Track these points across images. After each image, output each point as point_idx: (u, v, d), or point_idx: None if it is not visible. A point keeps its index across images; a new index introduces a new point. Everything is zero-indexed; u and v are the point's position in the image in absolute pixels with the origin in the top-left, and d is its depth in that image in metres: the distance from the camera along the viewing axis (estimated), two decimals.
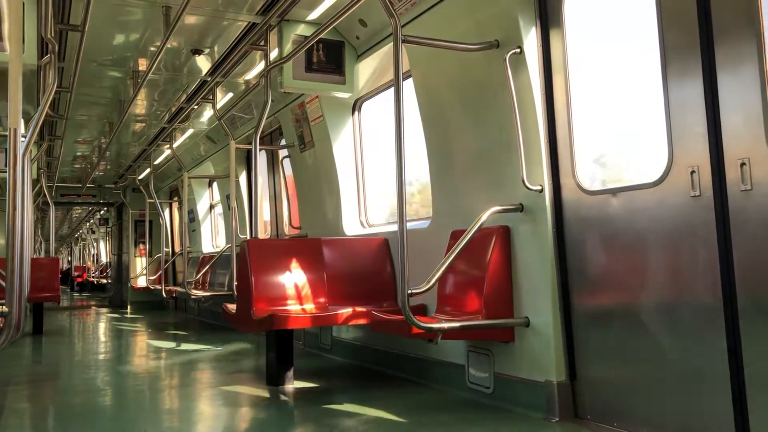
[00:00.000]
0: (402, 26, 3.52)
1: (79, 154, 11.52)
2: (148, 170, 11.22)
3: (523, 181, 3.77)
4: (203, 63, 6.50)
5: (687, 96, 3.04)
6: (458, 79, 4.36)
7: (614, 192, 3.46)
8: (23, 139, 2.54)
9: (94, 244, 27.71)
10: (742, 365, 2.81)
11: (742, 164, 2.80)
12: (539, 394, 3.74)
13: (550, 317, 3.72)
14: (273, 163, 8.69)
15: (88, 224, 25.76)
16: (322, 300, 5.16)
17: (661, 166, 3.18)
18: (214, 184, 11.18)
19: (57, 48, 4.32)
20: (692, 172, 3.01)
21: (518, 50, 3.82)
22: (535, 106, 3.81)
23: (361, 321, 4.76)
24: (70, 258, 37.91)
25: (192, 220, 11.92)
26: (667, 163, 3.14)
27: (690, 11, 3.01)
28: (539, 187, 3.79)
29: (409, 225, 3.52)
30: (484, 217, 3.88)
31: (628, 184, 3.44)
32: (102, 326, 11.02)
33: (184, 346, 7.71)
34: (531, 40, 3.82)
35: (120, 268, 15.81)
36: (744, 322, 2.80)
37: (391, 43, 3.55)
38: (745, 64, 2.79)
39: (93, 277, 24.94)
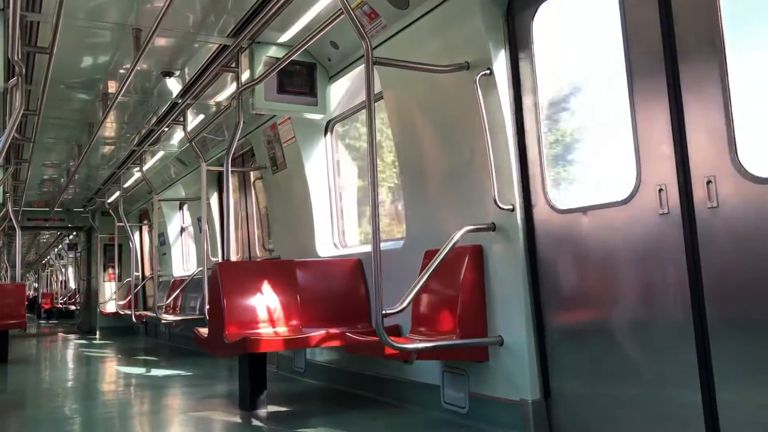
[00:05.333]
0: (373, 48, 3.55)
1: (46, 177, 11.34)
2: (117, 193, 11.08)
3: (494, 200, 3.80)
4: (174, 85, 6.47)
5: (653, 116, 3.10)
6: (430, 100, 4.40)
7: (584, 210, 3.50)
8: None
9: (62, 269, 27.20)
10: (713, 379, 2.85)
11: (709, 182, 2.85)
12: (514, 413, 3.74)
13: (524, 336, 3.74)
14: (245, 185, 8.65)
15: (56, 250, 25.29)
16: (295, 322, 5.12)
17: (629, 185, 3.23)
18: (185, 207, 11.07)
19: (24, 70, 4.26)
20: (660, 190, 3.06)
21: (488, 71, 3.87)
22: (505, 126, 3.85)
23: (335, 343, 4.73)
24: (37, 285, 37.15)
25: (162, 243, 11.78)
26: (635, 182, 3.19)
27: (654, 33, 3.08)
28: (511, 207, 3.82)
29: (383, 245, 3.52)
30: (457, 236, 3.90)
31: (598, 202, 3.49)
32: (70, 353, 10.78)
33: (155, 372, 7.57)
34: (500, 62, 3.88)
35: (89, 294, 15.52)
36: (713, 336, 2.84)
37: (363, 65, 3.57)
38: (709, 83, 2.86)
39: (61, 303, 24.44)
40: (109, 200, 12.53)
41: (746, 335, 2.72)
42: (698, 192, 2.91)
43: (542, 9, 3.76)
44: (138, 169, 9.43)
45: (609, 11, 3.37)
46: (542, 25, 3.78)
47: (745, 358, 2.73)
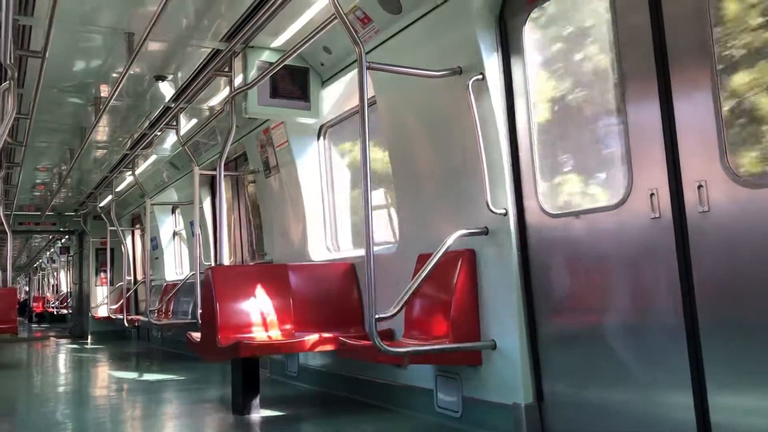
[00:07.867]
0: (366, 53, 3.55)
1: (38, 181, 11.30)
2: (109, 197, 11.06)
3: (487, 204, 3.81)
4: (167, 89, 6.46)
5: (645, 121, 3.12)
6: (422, 104, 4.41)
7: (577, 214, 3.51)
8: None
9: (54, 273, 27.05)
10: (705, 382, 2.86)
11: (700, 186, 2.87)
12: (507, 416, 3.75)
13: (517, 339, 3.74)
14: (237, 189, 8.64)
15: (48, 253, 25.17)
16: (288, 326, 5.11)
17: (621, 189, 3.25)
18: (178, 211, 11.05)
19: (16, 74, 4.25)
20: (651, 194, 3.08)
21: (480, 76, 3.88)
22: (497, 130, 3.86)
23: (328, 347, 4.73)
24: (28, 288, 36.94)
25: (155, 247, 11.74)
26: (627, 186, 3.21)
27: (646, 39, 3.10)
28: (503, 211, 3.83)
29: (376, 249, 3.52)
30: (450, 240, 3.91)
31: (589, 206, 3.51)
32: (61, 357, 10.73)
33: (147, 377, 7.55)
34: (493, 67, 3.89)
35: (81, 298, 15.45)
36: (705, 340, 2.86)
37: (356, 70, 3.58)
38: (700, 89, 2.88)
39: (52, 307, 24.32)
40: (102, 204, 12.50)
41: (738, 339, 2.74)
42: (689, 196, 2.93)
43: (534, 14, 3.79)
44: (130, 173, 9.41)
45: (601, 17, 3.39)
46: (534, 30, 3.80)
47: (736, 362, 2.74)
